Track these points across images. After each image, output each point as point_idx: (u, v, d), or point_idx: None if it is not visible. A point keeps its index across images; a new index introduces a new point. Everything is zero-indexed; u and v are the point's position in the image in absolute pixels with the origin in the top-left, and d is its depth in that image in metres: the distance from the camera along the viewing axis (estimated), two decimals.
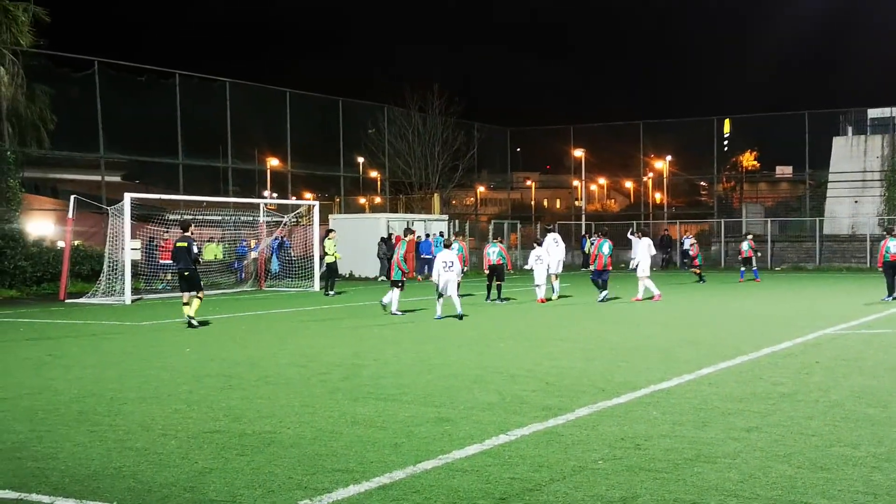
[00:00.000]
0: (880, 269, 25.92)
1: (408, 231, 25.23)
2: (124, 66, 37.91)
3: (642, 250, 26.57)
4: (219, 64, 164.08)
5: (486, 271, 26.23)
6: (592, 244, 27.41)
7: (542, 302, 25.41)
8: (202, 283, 21.08)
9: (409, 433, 8.81)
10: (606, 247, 26.25)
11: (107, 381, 12.20)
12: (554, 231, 29.08)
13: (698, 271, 36.71)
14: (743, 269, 38.06)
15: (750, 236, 38.58)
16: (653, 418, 9.41)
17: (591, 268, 26.78)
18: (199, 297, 19.97)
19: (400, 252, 21.97)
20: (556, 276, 27.23)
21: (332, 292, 29.98)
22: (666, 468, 7.46)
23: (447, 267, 20.77)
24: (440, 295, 20.86)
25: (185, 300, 19.78)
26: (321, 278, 32.06)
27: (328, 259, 30.61)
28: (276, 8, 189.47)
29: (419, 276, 38.14)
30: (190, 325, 19.34)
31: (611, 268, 26.91)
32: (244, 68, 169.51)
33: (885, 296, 25.25)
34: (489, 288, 26.18)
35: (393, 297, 21.69)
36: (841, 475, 7.23)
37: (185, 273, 19.81)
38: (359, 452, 8.07)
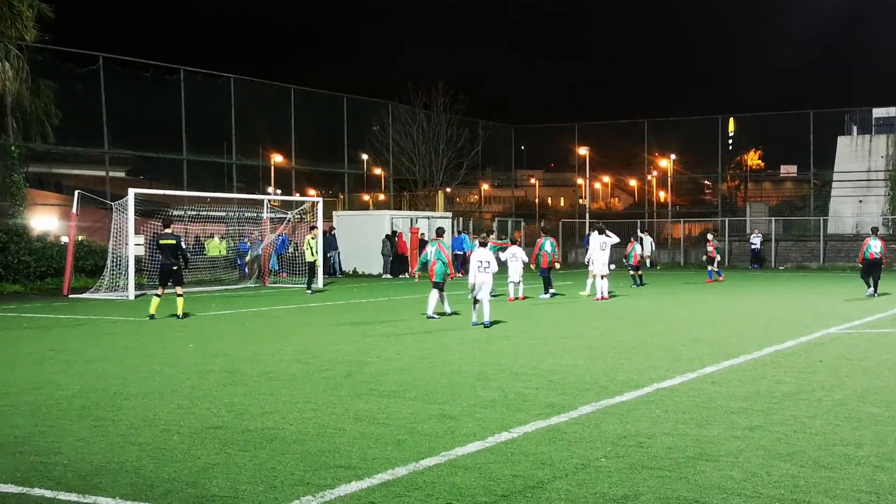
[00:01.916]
0: (860, 265, 27.07)
1: (440, 231, 24.29)
2: (129, 62, 37.95)
3: (593, 247, 26.41)
4: (224, 60, 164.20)
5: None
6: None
7: (512, 301, 25.06)
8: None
9: (412, 430, 8.81)
10: (549, 245, 26.44)
11: (109, 377, 12.21)
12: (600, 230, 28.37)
13: (632, 272, 32.61)
14: (712, 268, 35.94)
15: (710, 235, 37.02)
16: (655, 416, 9.40)
17: (532, 266, 26.89)
18: (181, 295, 20.81)
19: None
20: (596, 277, 26.42)
21: (309, 291, 29.71)
22: (668, 466, 7.46)
23: (483, 267, 18.78)
24: (475, 300, 18.76)
25: (179, 292, 20.78)
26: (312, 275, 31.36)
27: (310, 257, 30.31)
28: (281, 4, 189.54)
29: (457, 273, 38.26)
30: (181, 317, 20.47)
31: (557, 266, 27.20)
32: (249, 65, 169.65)
33: (868, 291, 26.23)
34: None
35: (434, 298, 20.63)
36: (844, 474, 7.22)
37: (175, 268, 20.56)
38: (361, 449, 8.07)
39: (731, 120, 58.87)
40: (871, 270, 26.35)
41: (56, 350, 15.17)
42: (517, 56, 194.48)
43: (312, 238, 30.54)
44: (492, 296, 25.48)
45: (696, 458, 7.69)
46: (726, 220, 52.89)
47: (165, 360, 13.86)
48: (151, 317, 20.27)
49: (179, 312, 20.51)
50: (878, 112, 53.92)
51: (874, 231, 27.34)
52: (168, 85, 38.82)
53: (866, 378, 11.81)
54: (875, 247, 26.11)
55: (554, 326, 18.80)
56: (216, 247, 36.71)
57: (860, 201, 51.69)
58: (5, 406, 10.19)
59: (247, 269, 35.44)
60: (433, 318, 20.15)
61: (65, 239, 32.82)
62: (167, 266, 20.57)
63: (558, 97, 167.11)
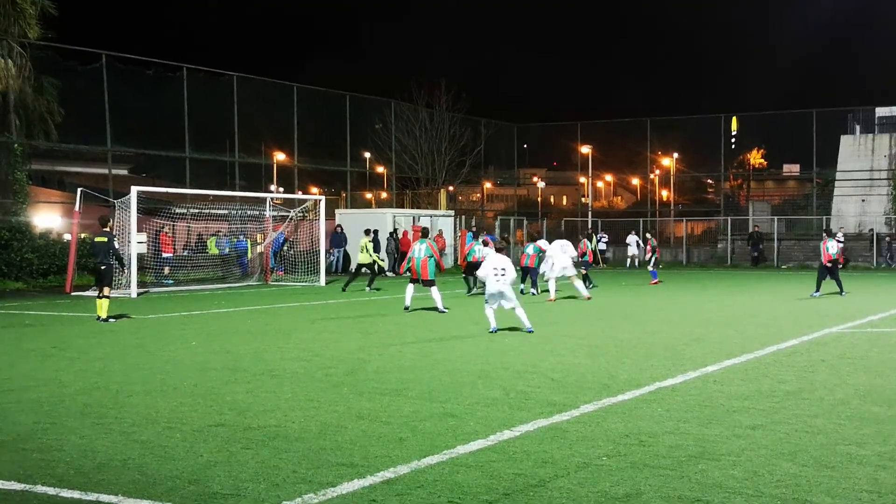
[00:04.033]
0: (827, 265, 26.71)
1: (426, 231, 24.30)
2: (132, 60, 37.91)
3: (552, 251, 26.18)
4: (226, 57, 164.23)
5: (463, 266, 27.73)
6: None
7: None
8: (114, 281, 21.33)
9: (414, 428, 8.81)
10: (531, 248, 26.96)
11: (112, 374, 12.22)
12: (562, 238, 28.30)
13: (585, 271, 30.08)
14: (652, 269, 33.85)
15: (648, 235, 35.32)
16: (657, 415, 9.40)
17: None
18: (107, 297, 19.82)
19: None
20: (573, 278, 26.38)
21: (368, 289, 28.89)
22: (670, 465, 7.46)
23: (499, 275, 16.78)
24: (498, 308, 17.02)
25: (105, 293, 19.83)
26: (354, 274, 30.92)
27: (367, 259, 29.57)
28: (285, 5, 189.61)
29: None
30: (104, 320, 19.41)
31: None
32: (252, 62, 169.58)
33: (813, 292, 26.51)
34: (467, 281, 27.46)
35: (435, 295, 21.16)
36: (846, 474, 7.22)
37: (102, 268, 19.79)
38: (363, 447, 8.08)
39: (734, 119, 58.81)
40: (834, 272, 26.60)
41: (58, 347, 15.19)
42: (520, 55, 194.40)
43: (370, 241, 30.38)
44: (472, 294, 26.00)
45: (697, 457, 7.69)
46: (729, 219, 52.84)
47: (167, 357, 13.88)
48: (102, 320, 19.40)
49: (103, 314, 19.51)
50: (881, 111, 53.80)
51: (832, 233, 27.74)
52: (171, 83, 38.78)
53: (868, 377, 11.80)
54: (833, 248, 26.43)
55: (555, 325, 18.79)
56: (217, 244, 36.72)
57: (863, 200, 51.62)
58: (8, 403, 10.21)
59: (248, 268, 35.49)
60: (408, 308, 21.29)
61: (67, 236, 32.84)
62: (97, 265, 20.03)
63: (561, 95, 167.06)
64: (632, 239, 47.99)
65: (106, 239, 19.95)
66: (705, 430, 8.68)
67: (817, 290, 26.52)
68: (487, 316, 17.11)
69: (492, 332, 16.77)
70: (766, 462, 7.55)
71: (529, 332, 16.68)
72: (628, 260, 48.09)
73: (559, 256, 25.83)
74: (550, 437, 8.47)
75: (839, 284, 26.52)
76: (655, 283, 33.07)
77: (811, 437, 8.40)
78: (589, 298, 25.10)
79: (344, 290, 29.09)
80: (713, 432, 8.61)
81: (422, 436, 8.49)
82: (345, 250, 41.23)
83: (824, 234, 27.58)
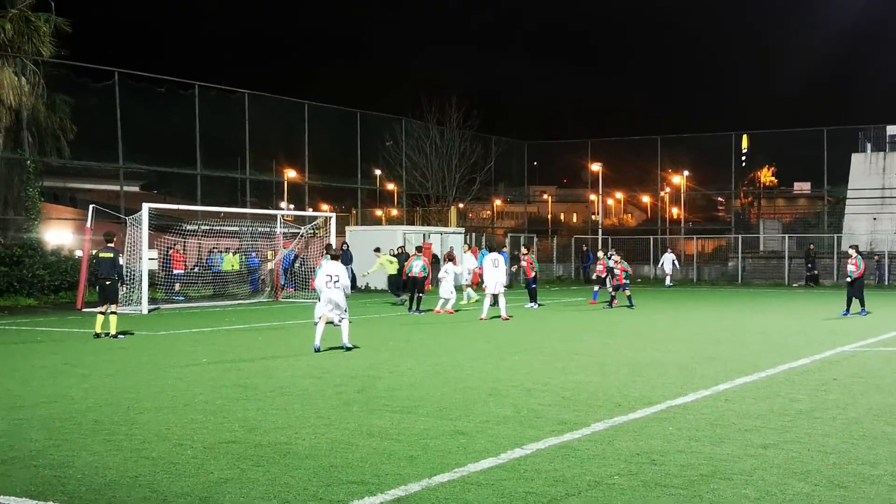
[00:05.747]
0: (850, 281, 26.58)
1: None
2: (144, 77, 38.08)
3: (485, 265, 25.83)
4: (237, 74, 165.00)
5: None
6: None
7: (438, 312, 26.77)
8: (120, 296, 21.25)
9: (425, 446, 8.80)
10: (418, 265, 27.42)
11: (123, 391, 12.24)
12: (495, 252, 27.66)
13: (614, 293, 29.82)
14: (615, 291, 30.15)
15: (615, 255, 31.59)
16: (669, 434, 9.37)
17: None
18: (115, 312, 19.81)
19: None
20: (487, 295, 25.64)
21: (413, 308, 27.61)
22: (682, 484, 7.43)
23: (332, 282, 16.54)
24: (322, 322, 16.73)
25: (100, 310, 19.73)
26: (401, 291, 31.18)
27: (391, 270, 30.74)
28: (296, 20, 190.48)
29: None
30: (115, 336, 19.38)
31: (428, 287, 28.53)
32: (263, 79, 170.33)
33: (864, 311, 26.25)
34: (411, 300, 27.68)
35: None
36: (858, 493, 7.18)
37: (108, 283, 19.73)
38: (374, 464, 8.07)
39: (745, 137, 58.80)
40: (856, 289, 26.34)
41: (70, 364, 15.22)
42: (531, 71, 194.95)
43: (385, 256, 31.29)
44: (421, 310, 26.38)
45: (709, 476, 7.66)
46: (739, 237, 52.75)
47: (178, 374, 13.89)
48: (96, 335, 19.38)
49: (113, 330, 19.48)
50: (892, 129, 53.67)
51: (856, 250, 27.39)
52: (182, 100, 38.96)
53: (881, 396, 11.75)
54: (862, 264, 26.38)
55: (566, 342, 18.76)
56: (230, 261, 36.82)
57: (874, 218, 51.48)
58: (19, 419, 10.23)
59: (259, 284, 35.55)
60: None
61: (79, 253, 32.95)
62: (101, 281, 19.89)
63: (572, 113, 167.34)
64: (667, 257, 47.67)
65: (111, 255, 19.91)
66: (717, 449, 8.65)
67: (864, 309, 26.16)
68: (316, 331, 16.71)
69: (315, 350, 16.38)
70: (778, 481, 7.52)
71: (347, 349, 16.52)
72: (668, 278, 47.04)
73: (490, 272, 25.15)
74: (562, 455, 8.45)
75: (849, 303, 26.42)
76: (616, 301, 30.12)
77: (824, 457, 8.37)
78: (507, 318, 24.29)
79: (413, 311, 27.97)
80: (725, 451, 8.58)
81: (433, 454, 8.48)
82: (351, 269, 41.16)
83: (852, 251, 27.16)
